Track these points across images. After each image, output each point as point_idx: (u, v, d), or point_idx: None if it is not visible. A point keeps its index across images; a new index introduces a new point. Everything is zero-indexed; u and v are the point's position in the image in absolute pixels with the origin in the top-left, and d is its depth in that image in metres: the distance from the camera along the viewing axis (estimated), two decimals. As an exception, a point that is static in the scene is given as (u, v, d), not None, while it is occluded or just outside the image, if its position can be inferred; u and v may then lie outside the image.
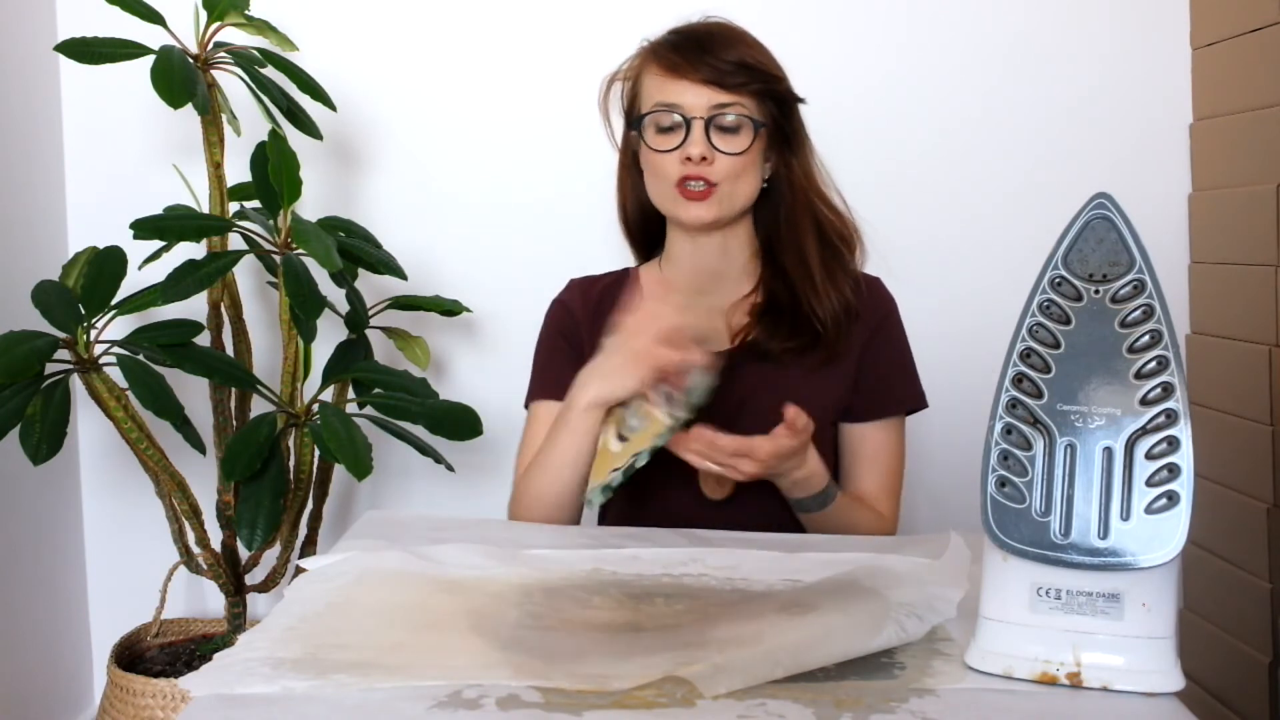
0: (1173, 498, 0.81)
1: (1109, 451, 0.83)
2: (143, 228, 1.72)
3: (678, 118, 1.39)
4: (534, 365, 1.54)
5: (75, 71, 2.10)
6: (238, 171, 1.94)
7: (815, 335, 1.43)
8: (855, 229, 1.49)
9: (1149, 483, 0.82)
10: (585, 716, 0.78)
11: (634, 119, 1.45)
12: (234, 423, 1.93)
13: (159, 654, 2.04)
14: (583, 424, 1.34)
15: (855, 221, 1.49)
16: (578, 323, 1.51)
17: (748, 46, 1.42)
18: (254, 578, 2.02)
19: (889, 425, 1.47)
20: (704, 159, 1.38)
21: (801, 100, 1.46)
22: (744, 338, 1.45)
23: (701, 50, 1.39)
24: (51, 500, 2.18)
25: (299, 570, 1.10)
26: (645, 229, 1.55)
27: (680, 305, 1.38)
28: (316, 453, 1.89)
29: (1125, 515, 0.82)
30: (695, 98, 1.38)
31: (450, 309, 2.03)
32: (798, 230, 1.46)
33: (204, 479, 1.94)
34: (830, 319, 1.43)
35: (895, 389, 1.48)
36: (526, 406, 1.53)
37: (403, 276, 1.97)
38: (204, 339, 1.88)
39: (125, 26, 1.81)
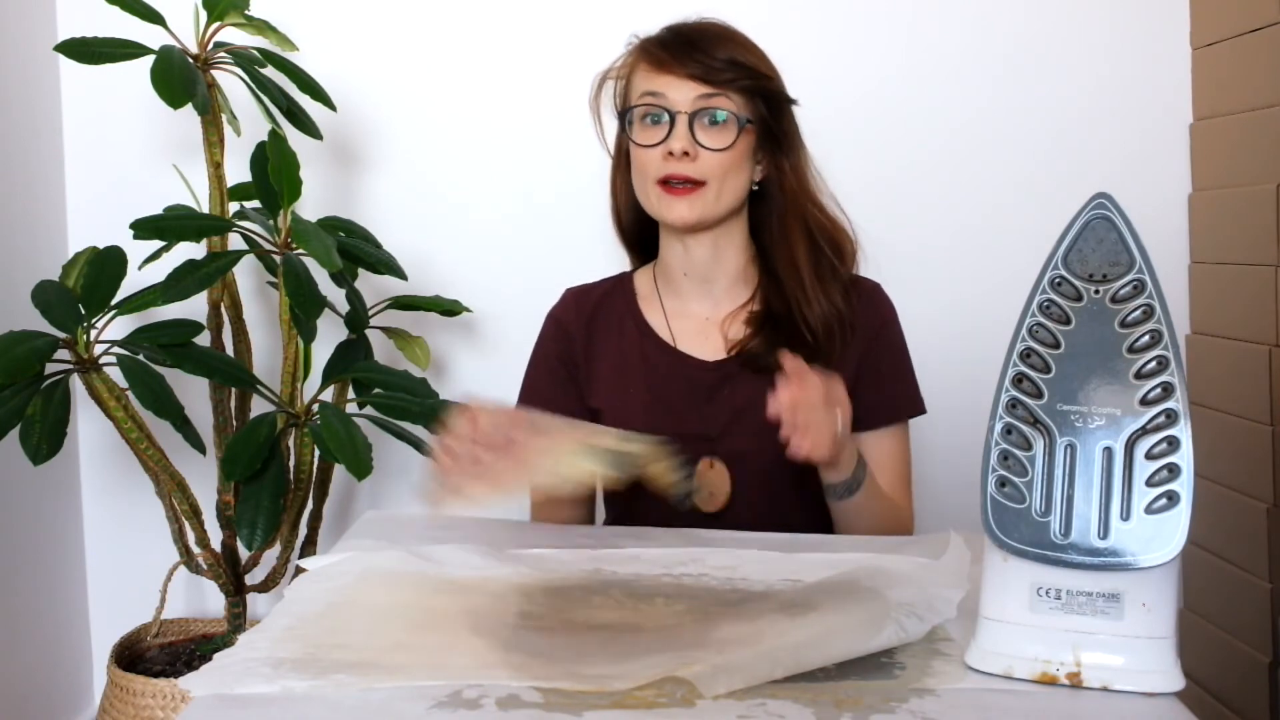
0: (1173, 498, 0.81)
1: (1109, 451, 0.83)
2: (143, 228, 1.72)
3: (662, 112, 1.36)
4: (525, 381, 1.52)
5: (75, 71, 2.10)
6: (238, 171, 1.94)
7: (811, 346, 1.40)
8: (850, 234, 1.46)
9: (1149, 483, 0.82)
10: (585, 716, 0.78)
11: (622, 115, 1.43)
12: (234, 423, 1.93)
13: (159, 654, 2.04)
14: None
15: (850, 227, 1.47)
16: (571, 337, 1.49)
17: (739, 45, 1.40)
18: (254, 578, 2.02)
19: (894, 432, 1.45)
20: (686, 154, 1.35)
21: (793, 101, 1.43)
22: (741, 349, 1.42)
23: (691, 47, 1.37)
24: (51, 500, 2.17)
25: (299, 570, 1.10)
26: (640, 231, 1.52)
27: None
28: (316, 453, 1.89)
29: (1125, 515, 0.82)
30: (680, 92, 1.36)
31: (450, 309, 2.03)
32: (789, 234, 1.43)
33: (204, 479, 1.94)
34: (820, 325, 1.40)
35: (897, 395, 1.46)
36: None
37: (403, 276, 1.97)
38: (204, 339, 1.88)
39: (125, 26, 1.81)
